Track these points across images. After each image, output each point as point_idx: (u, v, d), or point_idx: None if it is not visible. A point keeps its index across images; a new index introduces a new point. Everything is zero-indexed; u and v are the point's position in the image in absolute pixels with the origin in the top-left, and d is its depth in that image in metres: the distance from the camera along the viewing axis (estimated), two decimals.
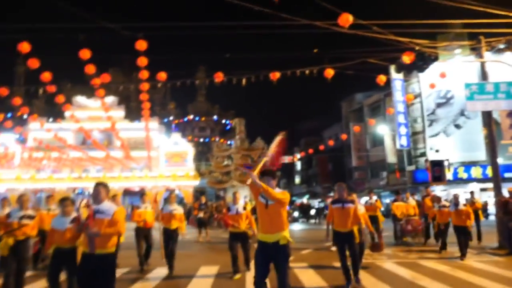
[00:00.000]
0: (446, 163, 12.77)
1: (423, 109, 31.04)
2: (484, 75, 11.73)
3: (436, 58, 10.21)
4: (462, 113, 29.06)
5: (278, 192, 4.50)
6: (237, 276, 7.51)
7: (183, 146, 37.56)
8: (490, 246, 11.24)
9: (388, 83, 28.80)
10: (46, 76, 12.09)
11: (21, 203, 6.34)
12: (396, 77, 29.99)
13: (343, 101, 44.38)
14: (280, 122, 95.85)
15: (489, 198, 27.26)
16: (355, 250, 6.73)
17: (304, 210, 32.20)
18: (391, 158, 31.69)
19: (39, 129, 30.73)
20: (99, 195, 4.62)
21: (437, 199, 11.34)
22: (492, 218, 25.46)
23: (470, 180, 28.12)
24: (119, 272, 7.54)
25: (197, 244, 13.97)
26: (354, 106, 41.74)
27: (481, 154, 28.31)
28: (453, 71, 22.71)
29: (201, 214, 15.41)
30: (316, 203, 41.39)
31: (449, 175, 24.67)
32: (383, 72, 13.30)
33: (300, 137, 56.94)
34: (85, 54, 11.03)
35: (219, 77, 11.73)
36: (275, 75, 11.66)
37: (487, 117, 12.37)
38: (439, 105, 30.45)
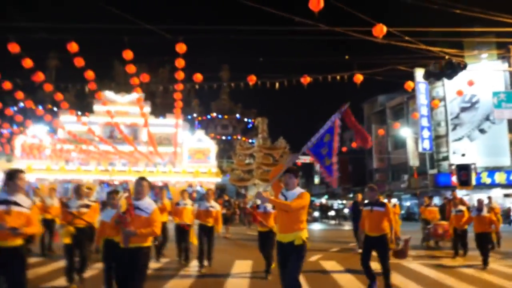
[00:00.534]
0: (472, 167, 12.89)
1: (447, 113, 30.93)
2: None
3: (465, 67, 10.45)
4: (487, 118, 28.91)
5: (295, 198, 4.44)
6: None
7: (206, 143, 38.29)
8: None
9: (406, 78, 28.87)
10: (90, 74, 12.83)
11: (78, 193, 6.74)
12: (421, 80, 30.01)
13: (365, 102, 44.36)
14: (301, 122, 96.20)
15: None
16: (385, 257, 6.43)
17: (324, 210, 32.60)
18: (413, 161, 31.70)
19: (69, 121, 31.74)
20: (142, 190, 4.57)
21: (463, 203, 11.54)
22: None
23: (493, 185, 27.98)
24: (155, 267, 8.09)
25: (224, 239, 14.58)
26: (376, 108, 41.70)
27: (506, 160, 28.13)
28: (478, 76, 22.71)
29: (224, 211, 16.00)
30: (336, 204, 41.59)
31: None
32: (409, 77, 13.67)
33: None
34: (128, 55, 11.74)
35: (252, 80, 12.24)
36: (306, 80, 12.13)
37: None
38: (463, 109, 30.33)
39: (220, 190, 40.87)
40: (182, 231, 8.66)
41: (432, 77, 11.49)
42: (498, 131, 28.22)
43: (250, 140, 41.34)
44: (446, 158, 31.01)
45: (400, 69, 10.93)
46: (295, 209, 4.37)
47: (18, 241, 4.10)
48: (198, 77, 12.64)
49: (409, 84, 12.34)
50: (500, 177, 28.08)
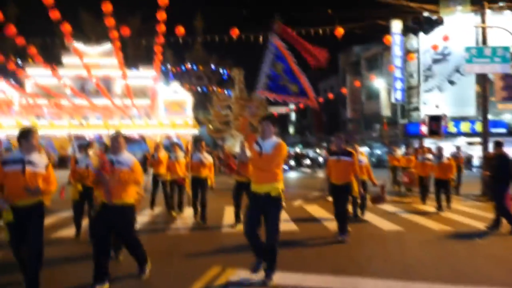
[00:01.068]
0: (443, 118, 13.63)
1: (420, 64, 31.70)
2: (484, 40, 12.55)
3: (441, 22, 10.90)
4: (457, 70, 29.88)
5: (273, 151, 4.26)
6: (239, 226, 7.34)
7: (182, 95, 38.01)
8: (474, 193, 12.66)
9: (383, 30, 29.23)
10: (67, 27, 12.47)
11: (86, 151, 6.57)
12: (396, 32, 30.37)
13: (340, 53, 44.53)
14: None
15: (475, 152, 28.97)
16: (343, 206, 6.41)
17: (298, 159, 33.64)
18: (386, 112, 32.77)
19: (37, 75, 30.54)
20: (118, 146, 4.51)
21: (431, 152, 12.32)
22: (475, 170, 27.33)
23: (459, 134, 29.55)
24: (148, 220, 8.29)
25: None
26: (351, 58, 42.01)
27: (471, 110, 29.53)
28: (451, 28, 23.24)
29: None
30: (310, 152, 42.84)
31: None
32: (385, 30, 14.05)
33: None
34: (107, 7, 11.50)
35: (235, 33, 12.30)
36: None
37: (482, 78, 13.33)
38: (435, 61, 31.13)
39: (199, 142, 41.17)
40: (176, 186, 8.74)
41: (410, 32, 11.85)
42: (466, 83, 29.31)
43: (225, 91, 41.26)
44: (416, 109, 32.23)
45: (381, 24, 11.25)
46: (275, 166, 4.27)
47: (35, 200, 4.11)
48: (180, 30, 12.55)
49: (387, 38, 12.74)
50: (465, 127, 29.63)
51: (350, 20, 12.04)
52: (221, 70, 43.31)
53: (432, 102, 30.71)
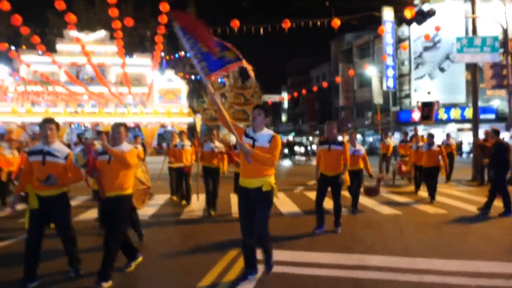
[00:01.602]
0: (436, 104, 14.06)
1: (411, 52, 32.21)
2: (474, 29, 13.05)
3: (434, 13, 11.34)
4: (447, 57, 30.47)
5: (270, 147, 3.99)
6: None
7: (176, 83, 38.19)
8: (465, 178, 13.30)
9: (377, 21, 29.69)
10: (72, 18, 12.65)
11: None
12: (388, 19, 30.78)
13: (332, 41, 44.85)
14: (270, 61, 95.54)
15: (464, 137, 29.77)
16: (338, 194, 6.31)
17: (291, 147, 33.91)
18: (378, 99, 33.34)
19: (31, 61, 30.47)
20: (119, 136, 4.30)
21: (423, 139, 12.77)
22: (464, 155, 28.16)
23: (449, 121, 30.29)
24: (155, 212, 8.48)
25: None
26: (343, 46, 42.40)
27: (461, 97, 30.24)
28: (442, 16, 23.71)
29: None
30: (304, 139, 43.37)
31: None
32: (377, 18, 14.37)
33: (288, 76, 57.83)
34: None
35: (235, 25, 12.60)
36: (287, 24, 12.66)
37: (473, 66, 13.86)
38: (426, 48, 31.67)
39: (194, 130, 41.51)
40: (182, 174, 8.84)
41: (403, 22, 12.26)
42: (457, 70, 29.93)
43: (219, 80, 41.44)
44: (408, 96, 32.88)
45: (377, 15, 11.63)
46: (274, 159, 3.98)
47: (57, 191, 4.20)
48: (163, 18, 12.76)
49: (381, 28, 13.15)
50: (455, 113, 30.35)
51: (344, 10, 12.31)
52: None
53: (423, 90, 31.33)
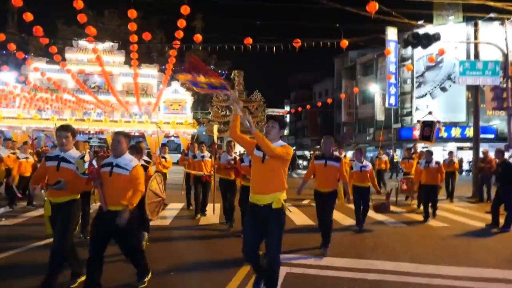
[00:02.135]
0: (437, 125, 14.50)
1: (413, 71, 32.94)
2: (476, 54, 13.68)
3: (439, 38, 11.94)
4: (449, 77, 31.19)
5: (278, 147, 3.74)
6: None
7: (182, 95, 38.83)
8: (465, 195, 13.77)
9: (383, 43, 30.50)
10: (92, 31, 13.24)
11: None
12: (391, 38, 31.55)
13: (336, 57, 45.66)
14: (274, 75, 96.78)
15: (465, 156, 30.30)
16: (329, 216, 6.05)
17: (292, 161, 34.31)
18: (380, 116, 33.92)
19: (41, 69, 31.06)
20: (120, 147, 4.05)
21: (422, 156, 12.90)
22: (464, 174, 28.63)
23: (449, 139, 30.85)
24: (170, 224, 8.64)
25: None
26: (347, 63, 43.16)
27: (462, 116, 30.86)
28: (444, 37, 24.43)
29: None
30: (307, 154, 43.76)
31: None
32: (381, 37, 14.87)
33: (291, 90, 58.67)
34: (133, 13, 12.28)
35: (248, 42, 13.16)
36: (298, 44, 13.25)
37: (474, 88, 14.45)
38: (428, 68, 32.40)
39: (198, 142, 41.96)
40: (200, 183, 8.58)
41: (409, 45, 12.83)
42: (458, 90, 30.56)
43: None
44: (409, 114, 33.49)
45: (382, 37, 12.21)
46: (279, 155, 3.67)
47: (66, 197, 4.08)
48: (198, 37, 13.39)
49: (388, 50, 13.72)
50: (455, 132, 30.94)
51: (350, 30, 12.90)
52: (219, 71, 44.24)
53: (424, 108, 31.92)
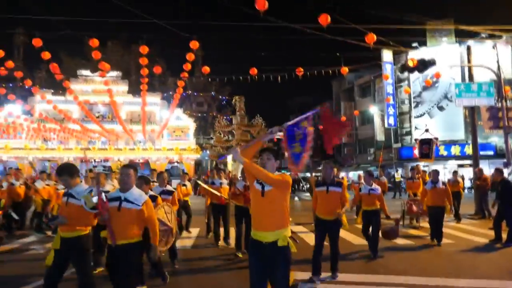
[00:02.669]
0: (434, 142, 14.85)
1: (411, 91, 33.76)
2: (470, 76, 14.40)
3: (434, 63, 12.63)
4: (445, 96, 31.97)
5: (276, 174, 3.50)
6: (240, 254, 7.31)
7: (185, 121, 39.56)
8: (468, 213, 14.18)
9: (379, 65, 31.45)
10: (106, 66, 13.99)
11: (161, 180, 6.84)
12: (387, 60, 32.54)
13: (334, 80, 46.63)
14: (273, 98, 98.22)
15: (465, 173, 30.72)
16: (336, 243, 5.88)
17: (295, 183, 34.69)
18: (380, 136, 34.54)
19: (44, 101, 31.75)
20: (128, 180, 4.01)
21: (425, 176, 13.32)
22: (466, 191, 28.96)
23: (449, 157, 31.36)
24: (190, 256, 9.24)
25: None
26: (345, 85, 44.08)
27: (461, 134, 31.46)
28: (439, 57, 25.32)
29: None
30: (308, 175, 44.03)
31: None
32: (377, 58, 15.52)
33: (291, 113, 59.52)
34: (144, 49, 13.02)
35: (253, 72, 13.87)
36: (301, 72, 13.96)
37: (471, 109, 15.09)
38: (425, 88, 33.23)
39: (202, 167, 42.56)
40: (219, 210, 8.48)
41: (406, 70, 13.49)
42: (455, 108, 31.17)
43: (224, 117, 43.00)
44: (409, 133, 34.14)
45: (379, 63, 12.88)
46: (277, 182, 3.41)
47: (74, 233, 4.08)
48: (206, 69, 14.09)
49: (386, 76, 14.38)
50: (455, 150, 31.48)
51: (349, 57, 13.53)
52: (220, 97, 45.22)
53: (423, 127, 32.52)
